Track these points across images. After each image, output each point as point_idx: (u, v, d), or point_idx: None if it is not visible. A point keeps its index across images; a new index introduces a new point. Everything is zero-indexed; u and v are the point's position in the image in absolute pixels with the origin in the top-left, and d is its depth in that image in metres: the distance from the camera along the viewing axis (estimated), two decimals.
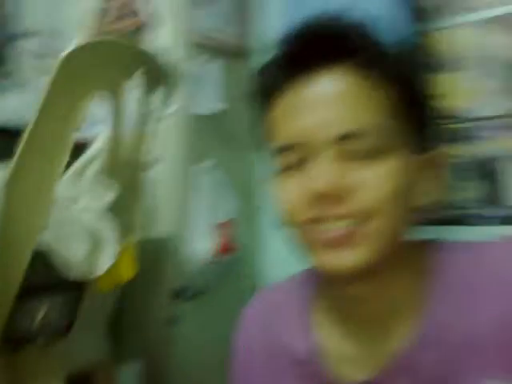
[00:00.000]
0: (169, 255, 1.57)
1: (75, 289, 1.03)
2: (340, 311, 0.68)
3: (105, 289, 1.10)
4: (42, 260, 0.94)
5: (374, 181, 0.59)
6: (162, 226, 1.56)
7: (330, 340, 0.69)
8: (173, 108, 1.49)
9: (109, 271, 1.05)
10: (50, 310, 1.00)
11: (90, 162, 1.03)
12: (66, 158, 0.92)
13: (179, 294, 1.58)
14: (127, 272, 1.11)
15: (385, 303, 0.64)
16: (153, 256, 1.57)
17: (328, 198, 0.59)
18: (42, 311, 0.98)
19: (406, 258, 0.64)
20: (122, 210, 1.10)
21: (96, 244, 0.98)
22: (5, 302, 0.93)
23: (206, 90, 1.60)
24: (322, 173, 0.59)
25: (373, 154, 0.59)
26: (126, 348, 1.56)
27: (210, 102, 1.61)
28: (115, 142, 1.07)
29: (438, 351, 0.60)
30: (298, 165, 0.62)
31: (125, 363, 1.51)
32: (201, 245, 1.57)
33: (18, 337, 0.97)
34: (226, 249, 1.58)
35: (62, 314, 1.02)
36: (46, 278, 0.98)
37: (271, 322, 0.76)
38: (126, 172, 1.12)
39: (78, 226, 0.95)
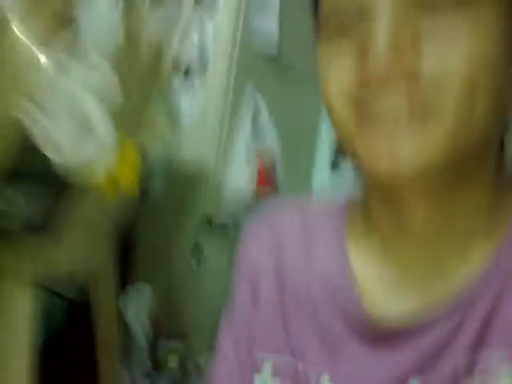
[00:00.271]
0: (202, 180, 1.46)
1: (60, 182, 0.92)
2: (387, 238, 0.53)
3: (105, 193, 1.00)
4: (25, 144, 0.85)
5: (454, 49, 0.42)
6: (198, 149, 1.45)
7: (369, 272, 0.55)
8: (220, 20, 1.36)
9: (106, 174, 0.94)
10: (29, 201, 0.90)
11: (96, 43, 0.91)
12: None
13: (208, 223, 1.47)
14: (127, 178, 0.99)
15: (449, 231, 0.50)
16: (184, 178, 1.47)
17: (386, 77, 0.43)
18: (20, 200, 0.89)
19: (491, 185, 0.50)
20: (129, 109, 0.98)
21: (84, 127, 0.86)
22: None
23: (264, 10, 1.45)
24: (381, 39, 0.42)
25: (456, 7, 0.42)
26: (140, 270, 1.49)
27: (267, 21, 1.46)
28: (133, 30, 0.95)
29: (500, 291, 0.48)
30: (349, 35, 0.45)
31: (136, 286, 1.43)
32: (238, 175, 1.44)
33: None
34: (264, 183, 1.44)
35: (41, 208, 0.92)
36: (28, 164, 0.88)
37: (287, 244, 0.61)
38: (140, 71, 1.00)
39: (66, 99, 0.83)
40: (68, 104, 0.84)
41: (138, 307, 1.43)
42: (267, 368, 0.59)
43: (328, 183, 1.62)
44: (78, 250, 1.03)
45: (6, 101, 0.84)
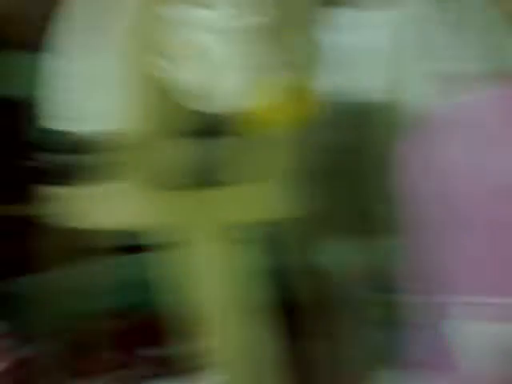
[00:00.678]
0: (377, 116, 1.34)
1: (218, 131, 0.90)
2: None
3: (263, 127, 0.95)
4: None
5: None
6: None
7: None
8: None
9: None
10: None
11: None
12: None
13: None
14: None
15: None
16: (357, 116, 1.36)
17: None
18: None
19: None
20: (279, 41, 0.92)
21: (214, 71, 0.83)
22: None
23: None
24: None
25: None
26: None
27: None
28: None
29: None
30: None
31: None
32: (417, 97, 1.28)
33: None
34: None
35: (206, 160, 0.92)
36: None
37: (452, 161, 0.58)
38: None
39: (192, 46, 0.81)
40: (194, 50, 0.83)
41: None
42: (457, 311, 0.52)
43: None
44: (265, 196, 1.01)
45: (145, 62, 0.86)
